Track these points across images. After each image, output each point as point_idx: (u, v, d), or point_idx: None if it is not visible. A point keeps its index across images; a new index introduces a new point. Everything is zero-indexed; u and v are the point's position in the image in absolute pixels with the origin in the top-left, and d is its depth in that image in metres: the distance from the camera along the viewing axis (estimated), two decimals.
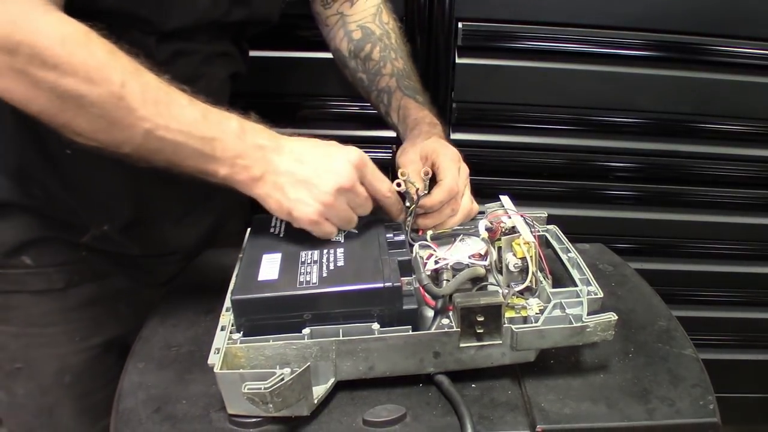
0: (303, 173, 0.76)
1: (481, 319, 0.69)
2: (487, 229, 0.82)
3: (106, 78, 0.69)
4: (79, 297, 1.00)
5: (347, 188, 0.77)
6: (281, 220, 0.85)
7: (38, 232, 0.94)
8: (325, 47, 1.41)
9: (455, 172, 0.90)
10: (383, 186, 0.81)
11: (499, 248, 0.80)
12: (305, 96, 1.48)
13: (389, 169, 1.38)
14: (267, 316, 0.70)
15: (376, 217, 0.83)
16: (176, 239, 1.07)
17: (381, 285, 0.70)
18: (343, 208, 0.78)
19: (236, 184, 0.77)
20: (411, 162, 0.93)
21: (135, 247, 1.02)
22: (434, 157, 0.92)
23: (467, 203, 0.92)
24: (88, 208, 0.95)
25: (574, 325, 0.70)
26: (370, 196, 0.81)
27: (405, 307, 0.71)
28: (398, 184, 0.84)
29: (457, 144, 1.46)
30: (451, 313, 0.73)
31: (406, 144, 1.00)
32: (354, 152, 0.79)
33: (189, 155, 0.74)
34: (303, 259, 0.75)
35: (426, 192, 0.88)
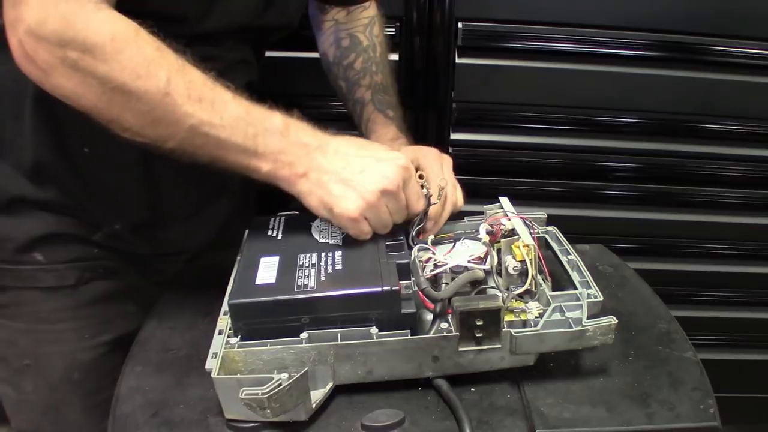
0: (348, 172, 0.77)
1: (480, 323, 0.69)
2: (488, 233, 0.81)
3: (152, 74, 0.70)
4: (89, 294, 1.00)
5: (392, 191, 0.77)
6: (279, 222, 0.84)
7: (50, 229, 0.95)
8: None
9: (438, 171, 0.90)
10: (420, 201, 0.82)
11: (499, 250, 0.79)
12: (306, 96, 1.48)
13: None
14: (264, 320, 0.69)
15: None
16: (186, 239, 1.07)
17: (379, 289, 0.69)
18: (383, 210, 0.78)
19: (279, 180, 0.78)
20: None
21: (145, 245, 1.03)
22: (417, 162, 0.92)
23: (452, 195, 0.91)
24: (102, 206, 0.96)
25: (574, 329, 0.69)
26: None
27: (403, 311, 0.70)
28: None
29: (457, 144, 1.47)
30: (450, 317, 0.72)
31: None
32: (402, 158, 0.79)
33: (232, 151, 0.75)
34: (301, 263, 0.75)
35: (438, 200, 0.86)
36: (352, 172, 0.77)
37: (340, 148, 0.78)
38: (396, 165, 0.78)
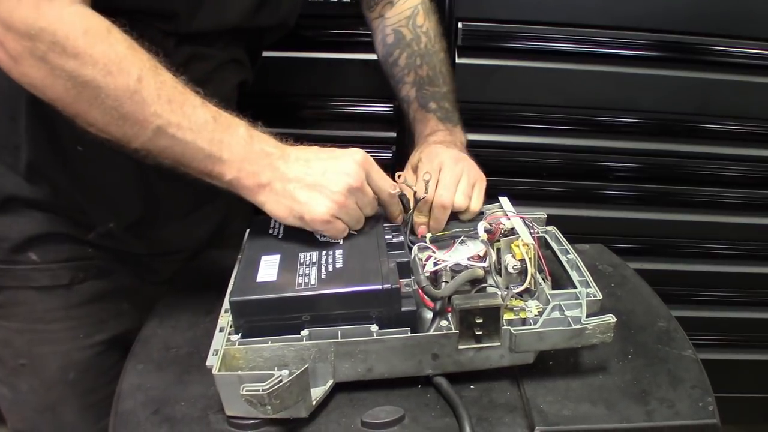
0: (312, 177, 0.77)
1: (479, 321, 0.69)
2: (486, 231, 0.81)
3: (123, 71, 0.70)
4: (83, 294, 1.00)
5: (357, 187, 0.78)
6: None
7: (45, 228, 0.95)
8: (326, 47, 1.42)
9: (433, 173, 0.90)
10: (386, 184, 0.82)
11: (498, 250, 0.80)
12: (306, 96, 1.48)
13: (389, 168, 1.39)
14: (265, 318, 0.70)
15: (376, 219, 0.83)
16: (181, 239, 1.07)
17: (380, 287, 0.70)
18: (353, 207, 0.79)
19: (241, 189, 0.78)
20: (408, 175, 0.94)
21: (140, 245, 1.03)
22: (418, 162, 0.94)
23: (458, 200, 0.90)
24: (96, 206, 0.96)
25: (573, 327, 0.70)
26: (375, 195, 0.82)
27: (403, 309, 0.71)
28: (399, 176, 0.85)
29: None
30: (449, 315, 0.73)
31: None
32: (359, 153, 0.79)
33: (196, 156, 0.75)
34: (302, 261, 0.75)
35: (425, 195, 0.87)
36: (315, 175, 0.77)
37: (300, 155, 0.79)
38: (354, 160, 0.78)
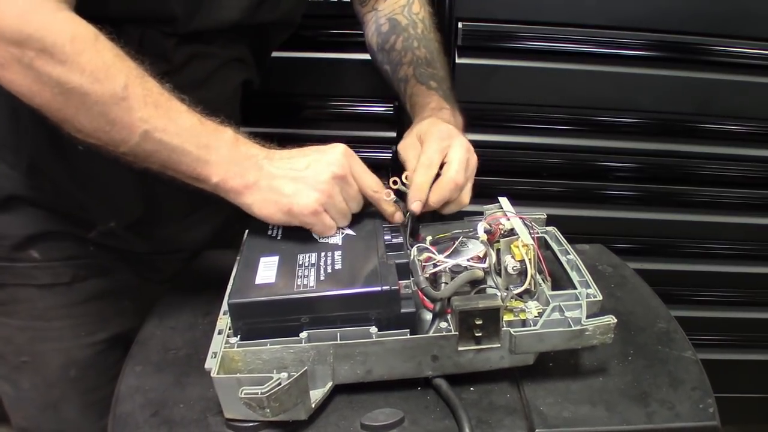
0: (297, 171, 0.78)
1: (479, 322, 0.69)
2: (486, 232, 0.81)
3: (110, 78, 0.70)
4: (84, 292, 1.00)
5: (341, 175, 0.78)
6: None
7: (46, 226, 0.95)
8: (326, 47, 1.41)
9: (432, 151, 0.86)
10: (369, 179, 0.82)
11: (498, 250, 0.79)
12: (306, 96, 1.48)
13: (389, 169, 1.38)
14: (264, 320, 0.69)
15: (375, 220, 0.83)
16: (183, 238, 1.07)
17: (379, 288, 0.69)
18: (339, 198, 0.79)
19: (228, 192, 0.78)
20: (409, 146, 0.92)
21: (141, 244, 1.03)
22: (423, 138, 0.90)
23: (448, 177, 0.86)
24: (97, 204, 0.96)
25: (573, 328, 0.69)
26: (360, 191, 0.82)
27: (403, 311, 0.70)
28: (394, 182, 0.84)
29: None
30: (449, 317, 0.72)
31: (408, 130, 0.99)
32: (341, 145, 0.80)
33: (183, 159, 0.75)
34: (300, 262, 0.75)
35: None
36: (299, 169, 0.78)
37: (284, 154, 0.80)
38: (337, 151, 0.79)
